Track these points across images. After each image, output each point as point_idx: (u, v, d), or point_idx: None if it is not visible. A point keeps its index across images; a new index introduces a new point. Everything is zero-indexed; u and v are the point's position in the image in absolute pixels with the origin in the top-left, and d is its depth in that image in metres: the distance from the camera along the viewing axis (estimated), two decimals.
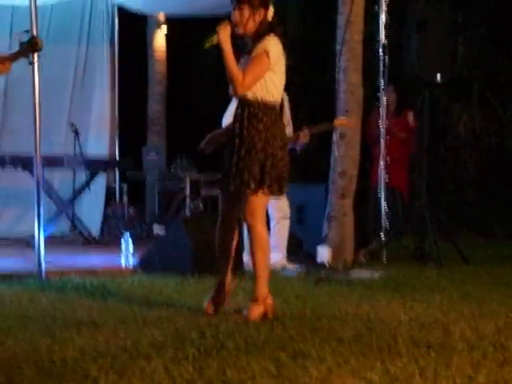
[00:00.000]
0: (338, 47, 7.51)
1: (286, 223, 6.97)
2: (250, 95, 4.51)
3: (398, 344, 3.78)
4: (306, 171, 10.82)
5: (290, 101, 7.19)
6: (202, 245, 6.02)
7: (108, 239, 9.02)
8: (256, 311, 4.48)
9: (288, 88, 7.17)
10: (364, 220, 8.02)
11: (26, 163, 7.82)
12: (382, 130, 7.98)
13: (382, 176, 7.92)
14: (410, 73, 7.72)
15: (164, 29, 10.89)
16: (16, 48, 9.58)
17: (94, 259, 7.33)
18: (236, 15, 4.50)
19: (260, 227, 4.50)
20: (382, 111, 8.00)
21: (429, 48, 7.44)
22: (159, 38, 10.95)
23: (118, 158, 10.40)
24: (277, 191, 4.57)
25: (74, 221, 9.00)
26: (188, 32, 11.22)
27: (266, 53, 4.47)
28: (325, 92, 10.02)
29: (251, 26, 4.51)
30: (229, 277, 4.72)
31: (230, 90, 4.63)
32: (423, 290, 5.60)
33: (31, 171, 6.87)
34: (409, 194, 9.08)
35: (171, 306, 4.83)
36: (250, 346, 3.74)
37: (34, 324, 4.24)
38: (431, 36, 7.43)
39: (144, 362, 3.38)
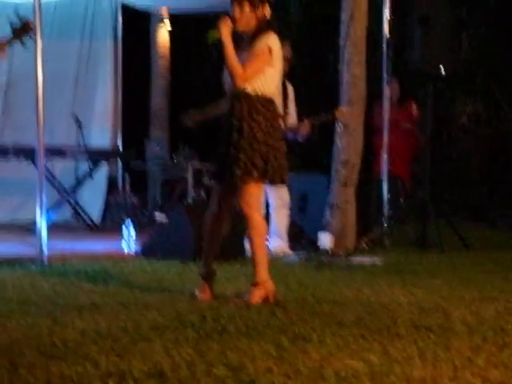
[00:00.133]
0: (341, 42, 7.52)
1: (285, 211, 7.00)
2: (249, 89, 4.54)
3: (397, 327, 3.80)
4: (309, 161, 10.82)
5: (295, 92, 7.21)
6: None
7: (110, 227, 9.04)
8: (257, 295, 4.50)
9: (292, 79, 7.24)
10: (366, 208, 8.03)
11: (28, 154, 7.83)
12: (385, 120, 8.01)
13: (385, 165, 7.94)
14: (413, 66, 7.73)
15: (167, 25, 10.91)
16: (17, 44, 9.68)
17: (96, 245, 7.34)
18: (236, 11, 4.53)
19: (256, 215, 4.55)
20: (385, 103, 8.03)
21: (432, 42, 7.45)
22: (162, 34, 10.97)
23: (120, 149, 10.42)
24: (279, 181, 4.65)
25: (76, 208, 9.01)
26: (191, 28, 11.25)
27: (269, 49, 4.53)
28: (328, 84, 10.03)
29: (250, 23, 4.54)
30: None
31: (226, 85, 4.64)
32: (424, 275, 5.62)
33: (34, 162, 6.90)
34: (411, 183, 9.09)
35: (172, 291, 4.85)
36: (251, 329, 3.75)
37: (35, 308, 4.25)
38: (434, 30, 7.43)
39: (144, 344, 3.39)
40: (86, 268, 5.80)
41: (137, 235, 6.89)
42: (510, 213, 9.91)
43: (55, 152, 8.51)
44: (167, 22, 10.83)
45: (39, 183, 6.32)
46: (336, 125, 7.52)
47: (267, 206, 6.98)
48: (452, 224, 7.50)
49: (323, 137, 8.70)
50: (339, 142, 7.53)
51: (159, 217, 8.91)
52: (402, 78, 8.90)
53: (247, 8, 4.52)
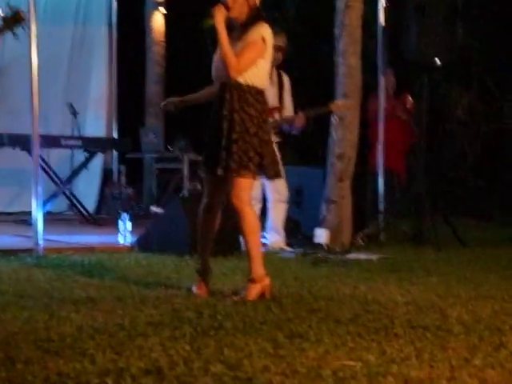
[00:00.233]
0: (336, 31, 7.49)
1: (283, 206, 6.99)
2: (241, 80, 4.51)
3: (394, 326, 3.80)
4: (305, 154, 10.82)
5: (291, 83, 7.18)
6: None
7: (105, 219, 9.02)
8: (253, 291, 4.50)
9: (288, 70, 7.22)
10: (362, 203, 8.03)
11: (23, 142, 7.79)
12: (380, 112, 7.99)
13: (380, 159, 7.94)
14: (408, 56, 7.71)
15: (162, 9, 10.84)
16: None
17: (92, 238, 7.33)
18: None
19: (248, 209, 4.52)
20: (381, 94, 8.01)
21: (428, 32, 7.44)
22: (158, 19, 10.89)
23: (115, 139, 10.38)
24: (273, 175, 4.65)
25: (72, 199, 8.99)
26: (187, 13, 11.18)
27: (263, 40, 4.51)
28: (324, 75, 10.01)
29: (243, 10, 4.52)
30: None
31: (214, 73, 4.61)
32: (420, 273, 5.62)
33: (29, 150, 6.87)
34: (406, 176, 9.09)
35: (169, 286, 4.84)
36: (248, 326, 3.75)
37: (31, 301, 4.25)
38: (430, 20, 7.42)
39: (141, 340, 3.39)
40: (82, 260, 5.80)
41: (132, 228, 6.87)
42: (508, 209, 9.90)
43: (50, 141, 8.46)
44: (162, 9, 10.76)
45: (34, 173, 6.30)
46: (331, 117, 7.50)
47: (265, 200, 6.97)
48: (448, 221, 7.49)
49: (319, 129, 8.68)
50: (335, 134, 7.50)
51: (155, 209, 8.93)
52: (397, 69, 8.89)
53: None
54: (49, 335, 3.47)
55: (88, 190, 9.87)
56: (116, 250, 6.52)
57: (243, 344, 3.36)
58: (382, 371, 2.98)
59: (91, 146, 9.14)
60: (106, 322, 3.77)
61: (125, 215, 6.92)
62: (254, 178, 4.56)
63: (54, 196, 8.76)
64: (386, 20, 7.79)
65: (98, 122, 10.37)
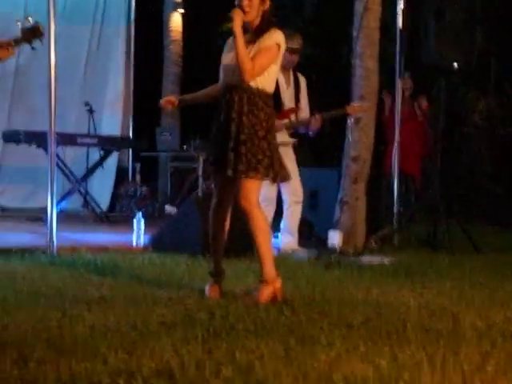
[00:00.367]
0: (354, 33, 7.48)
1: (299, 207, 6.98)
2: (252, 83, 4.54)
3: (407, 330, 3.79)
4: (320, 156, 10.81)
5: (307, 84, 7.18)
6: None
7: (120, 217, 9.05)
8: (265, 293, 4.50)
9: (305, 72, 7.21)
10: (376, 205, 8.01)
11: (40, 140, 7.84)
12: (397, 115, 7.98)
13: (396, 162, 7.92)
14: (426, 60, 7.69)
15: (180, 9, 10.85)
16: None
17: (106, 236, 7.36)
18: (245, 1, 4.52)
19: (256, 211, 4.52)
20: (398, 97, 8.00)
21: (446, 36, 7.40)
22: (175, 19, 10.91)
23: (131, 138, 10.41)
24: (281, 178, 4.69)
25: (87, 198, 9.02)
26: (205, 13, 11.19)
27: (278, 46, 4.56)
28: (341, 76, 10.00)
29: (257, 14, 4.55)
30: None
31: (223, 75, 4.63)
32: (434, 277, 5.59)
33: (45, 148, 6.90)
34: (422, 180, 9.07)
35: (181, 286, 4.85)
36: (260, 328, 3.75)
37: (45, 300, 4.27)
38: (449, 24, 7.39)
39: (153, 341, 3.40)
40: (96, 259, 5.82)
41: (146, 226, 6.89)
42: None
43: (66, 139, 8.50)
44: (180, 10, 10.77)
45: (50, 171, 6.32)
46: (347, 119, 7.50)
47: (279, 201, 6.96)
48: (462, 226, 7.45)
49: (334, 131, 8.68)
50: (350, 136, 7.50)
51: (169, 209, 8.95)
52: (415, 72, 8.88)
53: (256, 0, 4.53)
54: (61, 334, 3.49)
55: (102, 188, 9.90)
56: (130, 249, 6.54)
57: (255, 346, 3.35)
58: (393, 376, 2.97)
59: (107, 144, 9.18)
60: (118, 321, 3.78)
61: (139, 214, 6.94)
62: (262, 180, 4.56)
63: (68, 194, 8.80)
64: (404, 23, 7.77)
65: (114, 120, 10.40)
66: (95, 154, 9.32)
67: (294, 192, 6.93)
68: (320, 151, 10.90)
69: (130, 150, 10.39)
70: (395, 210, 7.76)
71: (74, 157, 9.49)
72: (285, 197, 6.93)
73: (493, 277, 5.71)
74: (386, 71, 7.92)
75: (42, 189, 7.86)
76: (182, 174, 10.10)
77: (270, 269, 4.54)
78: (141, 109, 10.82)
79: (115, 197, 9.93)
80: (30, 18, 4.50)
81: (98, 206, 9.00)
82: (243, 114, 4.51)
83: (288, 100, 6.96)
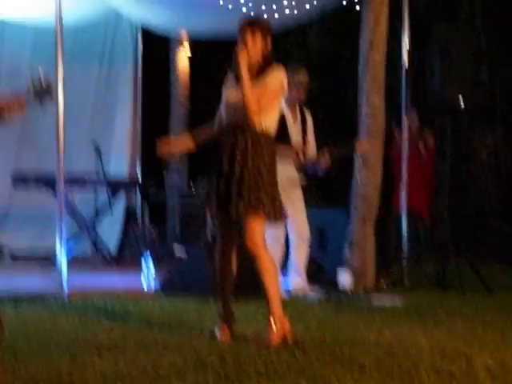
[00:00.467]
0: (360, 71, 7.52)
1: (305, 247, 6.95)
2: (256, 123, 4.56)
3: (419, 372, 3.76)
4: (327, 195, 10.81)
5: (314, 121, 7.20)
6: None
7: (129, 259, 9.04)
8: (275, 335, 4.49)
9: (311, 109, 7.25)
10: (385, 245, 7.99)
11: (48, 182, 7.86)
12: (403, 152, 7.99)
13: (404, 201, 7.90)
14: (432, 97, 7.71)
15: (187, 51, 10.93)
16: (35, 66, 9.69)
17: (115, 280, 7.35)
18: (248, 39, 4.56)
19: (262, 252, 4.54)
20: (404, 134, 8.01)
21: (451, 73, 7.43)
22: (182, 59, 10.98)
23: (139, 179, 10.44)
24: (279, 219, 4.67)
25: (96, 241, 9.02)
26: (211, 53, 11.27)
27: (282, 85, 4.62)
28: (347, 113, 10.05)
29: (259, 53, 4.58)
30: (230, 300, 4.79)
31: (224, 116, 4.64)
32: (445, 318, 5.56)
33: (54, 190, 6.91)
34: (430, 218, 9.05)
35: (192, 330, 4.84)
36: (271, 371, 3.74)
37: (55, 346, 4.26)
38: (454, 60, 7.42)
39: None
40: (106, 305, 5.82)
41: (156, 268, 6.88)
42: None
43: (75, 180, 8.52)
44: (187, 46, 10.83)
45: (59, 214, 6.32)
46: (355, 158, 7.50)
47: (287, 241, 6.95)
48: (473, 266, 7.41)
49: (342, 170, 8.68)
50: (358, 176, 7.50)
51: (178, 251, 8.93)
52: (421, 110, 8.90)
53: (259, 38, 4.58)
54: (72, 381, 3.49)
55: (111, 229, 9.88)
56: (139, 293, 6.52)
57: None
58: None
59: (115, 186, 9.19)
60: (128, 367, 3.76)
61: (148, 255, 6.93)
62: (266, 221, 4.57)
63: (77, 239, 8.79)
64: (410, 60, 7.82)
65: (121, 161, 10.42)
66: (103, 195, 9.33)
67: (300, 231, 6.92)
68: (328, 190, 10.90)
69: (138, 191, 10.40)
70: (404, 249, 7.73)
71: (82, 198, 9.49)
72: (291, 236, 6.91)
73: (504, 316, 5.67)
74: (392, 109, 7.95)
75: (50, 230, 7.86)
76: (190, 213, 10.10)
77: (277, 309, 4.54)
78: (148, 148, 10.85)
79: (124, 238, 9.92)
80: (41, 76, 4.52)
81: (107, 249, 8.99)
82: (248, 155, 4.53)
83: (295, 135, 6.98)
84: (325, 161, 6.90)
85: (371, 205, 7.44)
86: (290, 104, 6.97)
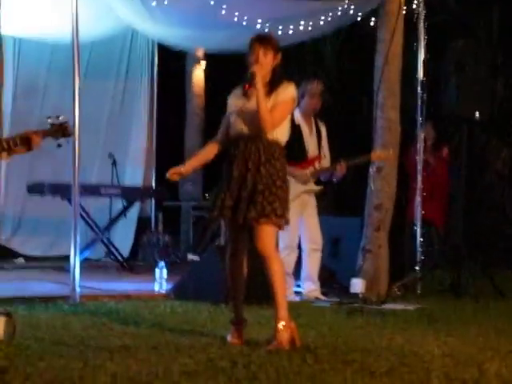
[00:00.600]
0: (375, 86, 7.55)
1: (318, 255, 6.98)
2: (269, 134, 4.65)
3: (431, 379, 3.74)
4: (342, 204, 10.81)
5: (328, 134, 7.22)
6: None
7: (142, 266, 9.07)
8: (285, 337, 4.50)
9: (326, 121, 7.27)
10: (399, 253, 7.97)
11: (64, 191, 7.91)
12: (419, 164, 7.99)
13: (419, 210, 7.91)
14: (448, 110, 7.71)
15: (203, 64, 11.00)
16: (51, 83, 9.72)
17: (128, 285, 7.36)
18: (261, 54, 4.63)
19: (273, 254, 4.60)
20: (420, 147, 8.02)
21: (467, 86, 7.43)
22: (198, 73, 11.05)
23: (154, 188, 10.47)
24: (287, 222, 4.72)
25: (110, 247, 9.05)
26: (227, 67, 11.31)
27: (293, 100, 4.74)
28: (362, 127, 10.04)
29: (268, 68, 4.65)
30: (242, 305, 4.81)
31: (234, 128, 4.68)
32: (458, 325, 5.54)
33: (69, 199, 6.98)
34: (445, 228, 9.03)
35: (204, 334, 4.84)
36: (282, 376, 3.72)
37: (67, 349, 4.26)
38: (470, 74, 7.42)
39: None
40: (118, 308, 5.83)
41: (169, 275, 6.90)
42: None
43: (90, 190, 8.57)
44: (203, 63, 10.90)
45: (74, 222, 6.38)
46: (370, 168, 7.52)
47: (300, 249, 6.96)
48: (486, 271, 7.40)
49: (356, 179, 8.69)
50: (372, 185, 7.52)
51: (191, 257, 8.96)
52: (437, 122, 8.90)
53: (270, 54, 4.65)
54: (83, 383, 3.47)
55: (124, 237, 9.95)
56: (152, 297, 6.54)
57: None
58: None
59: (130, 195, 9.23)
60: (140, 370, 3.76)
61: (162, 262, 6.96)
62: (277, 225, 4.62)
63: (91, 243, 8.84)
64: (426, 73, 7.84)
65: (136, 172, 10.49)
66: (118, 204, 9.38)
67: (313, 240, 6.94)
68: (342, 199, 10.90)
69: (153, 200, 10.44)
70: (418, 257, 7.72)
71: (98, 207, 9.54)
72: (304, 245, 6.94)
73: None
74: (407, 121, 7.95)
75: (64, 237, 7.91)
76: (204, 222, 10.13)
77: (285, 312, 4.57)
78: (164, 159, 10.90)
79: (137, 246, 9.95)
80: (61, 117, 4.57)
81: (121, 255, 9.02)
82: (260, 164, 4.61)
83: (312, 147, 7.00)
84: (340, 168, 6.93)
85: (385, 213, 7.46)
86: (306, 115, 7.00)
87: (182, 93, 11.24)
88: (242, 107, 4.69)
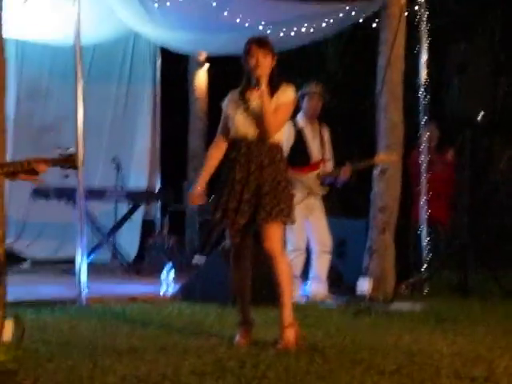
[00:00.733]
0: (378, 88, 7.55)
1: (327, 256, 6.98)
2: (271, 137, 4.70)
3: (440, 378, 3.75)
4: (347, 206, 10.80)
5: (331, 136, 7.23)
6: None
7: (148, 269, 9.06)
8: (292, 336, 4.53)
9: (329, 124, 7.27)
10: (405, 254, 7.97)
11: (69, 195, 7.92)
12: (423, 166, 8.00)
13: (424, 210, 7.91)
14: (451, 112, 7.71)
15: (205, 67, 11.00)
16: (53, 86, 9.72)
17: (134, 287, 7.36)
18: (261, 56, 4.66)
19: (280, 254, 4.64)
20: (423, 148, 8.02)
21: (470, 88, 7.43)
22: (201, 76, 11.04)
23: (159, 191, 10.48)
24: (293, 222, 4.77)
25: (115, 250, 9.06)
26: (229, 69, 11.31)
27: (293, 102, 4.80)
28: (366, 128, 10.04)
29: (268, 71, 4.67)
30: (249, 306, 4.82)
31: (237, 130, 4.68)
32: (466, 323, 5.54)
33: (74, 203, 6.99)
34: (450, 228, 9.03)
35: (211, 335, 4.85)
36: (291, 376, 3.73)
37: (75, 351, 4.27)
38: (472, 76, 7.42)
39: None
40: (125, 310, 5.84)
41: (175, 278, 6.91)
42: None
43: (95, 194, 8.58)
44: (206, 66, 10.91)
45: (79, 226, 6.39)
46: (373, 170, 7.52)
47: (308, 251, 6.96)
48: (492, 270, 7.39)
49: (361, 182, 8.69)
50: (377, 187, 7.52)
51: (197, 259, 8.95)
52: (440, 123, 8.90)
53: (269, 56, 4.68)
54: None
55: (130, 240, 9.94)
56: (159, 299, 6.55)
57: None
58: None
59: (135, 198, 9.24)
60: (149, 371, 3.77)
61: (168, 265, 6.97)
62: (284, 224, 4.69)
63: (97, 247, 8.84)
64: (428, 75, 7.84)
65: (141, 175, 10.48)
66: (123, 208, 9.38)
67: (322, 242, 6.94)
68: (347, 202, 10.89)
69: (158, 203, 10.45)
70: (424, 257, 7.72)
71: (103, 210, 9.54)
72: (313, 246, 6.94)
73: None
74: (410, 123, 7.95)
75: (70, 241, 7.91)
76: (209, 225, 10.12)
77: (291, 312, 4.60)
78: (167, 163, 10.91)
79: (143, 248, 9.95)
80: (70, 149, 4.59)
81: (127, 258, 9.02)
82: (264, 166, 4.65)
83: (316, 151, 7.00)
84: (344, 172, 6.93)
85: (390, 215, 7.45)
86: (308, 119, 7.00)
87: (184, 96, 11.25)
88: (244, 111, 4.70)
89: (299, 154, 6.84)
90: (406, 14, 7.56)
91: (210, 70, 10.96)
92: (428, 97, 7.81)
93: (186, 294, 6.57)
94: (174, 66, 11.01)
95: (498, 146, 11.65)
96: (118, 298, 6.45)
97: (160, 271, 6.97)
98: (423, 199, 7.97)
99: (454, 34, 10.45)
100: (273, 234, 4.60)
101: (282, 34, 7.91)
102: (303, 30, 7.94)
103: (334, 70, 12.82)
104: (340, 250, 7.71)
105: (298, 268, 6.73)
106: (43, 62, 9.95)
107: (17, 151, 9.15)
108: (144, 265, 9.41)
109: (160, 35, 8.55)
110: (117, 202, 9.36)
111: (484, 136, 11.05)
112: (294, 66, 11.87)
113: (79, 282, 6.24)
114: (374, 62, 7.68)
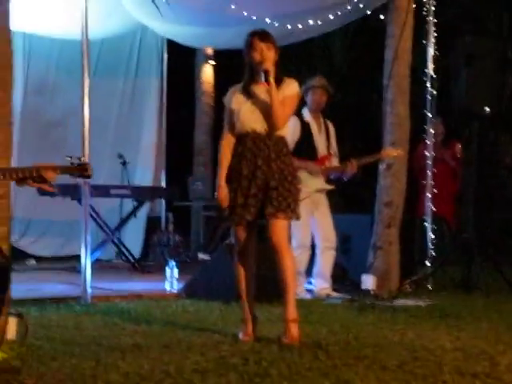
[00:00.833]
0: (384, 81, 7.53)
1: (332, 253, 6.97)
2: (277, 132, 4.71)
3: (443, 373, 3.74)
4: (352, 201, 10.80)
5: (337, 132, 7.22)
6: None
7: (153, 266, 9.08)
8: (295, 332, 4.54)
9: (334, 119, 7.26)
10: (410, 249, 7.96)
11: (74, 192, 7.93)
12: (428, 160, 7.97)
13: (429, 206, 7.89)
14: (458, 105, 7.68)
15: (212, 61, 10.99)
16: (60, 81, 9.73)
17: (139, 285, 7.37)
18: (265, 49, 4.67)
19: (287, 252, 4.64)
20: (429, 142, 7.99)
21: (477, 81, 7.40)
22: (207, 70, 11.04)
23: (164, 188, 10.48)
24: (298, 217, 4.77)
25: (120, 247, 9.07)
26: (236, 63, 11.28)
27: (298, 95, 4.81)
28: (371, 123, 10.03)
29: (272, 64, 4.68)
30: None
31: (242, 126, 4.68)
32: (469, 320, 5.53)
33: (79, 200, 7.00)
34: (455, 223, 9.01)
35: (215, 332, 4.85)
36: (294, 373, 3.73)
37: (79, 348, 4.28)
38: (479, 69, 7.39)
39: None
40: (129, 307, 5.85)
41: (179, 274, 6.92)
42: None
43: (100, 191, 8.59)
44: (211, 56, 10.90)
45: (84, 223, 6.40)
46: (379, 165, 7.50)
47: (313, 247, 6.96)
48: (498, 266, 7.38)
49: (366, 177, 8.67)
50: (382, 182, 7.51)
51: (202, 256, 8.96)
52: (447, 117, 8.87)
53: (272, 49, 4.70)
54: (95, 382, 3.49)
55: (135, 237, 9.95)
56: (163, 296, 6.55)
57: None
58: None
59: (140, 194, 9.24)
60: (152, 369, 3.78)
61: (172, 262, 6.97)
62: (290, 219, 4.69)
63: (102, 244, 8.86)
64: (435, 69, 7.81)
65: (146, 171, 10.48)
66: (128, 204, 9.39)
67: (326, 238, 6.93)
68: (352, 197, 10.89)
69: (163, 200, 10.45)
70: (429, 253, 7.71)
71: (108, 207, 9.55)
72: (317, 242, 6.93)
73: None
74: (417, 116, 7.93)
75: (75, 238, 7.92)
76: (214, 222, 10.13)
77: (295, 308, 4.61)
78: (173, 158, 10.91)
79: (147, 245, 9.97)
80: (83, 158, 4.57)
81: (131, 255, 9.05)
82: (271, 160, 4.65)
83: (322, 145, 6.99)
84: (351, 167, 6.91)
85: (395, 210, 7.44)
86: (313, 113, 6.99)
87: (191, 91, 11.23)
88: (250, 105, 4.69)
89: (305, 148, 6.83)
90: (413, 6, 7.54)
91: (217, 65, 10.96)
92: (435, 91, 7.78)
93: (190, 291, 6.57)
94: (181, 60, 11.00)
95: (504, 139, 11.62)
96: (123, 295, 6.47)
97: (164, 268, 6.98)
98: (428, 194, 7.95)
99: (461, 26, 10.43)
100: (280, 228, 4.61)
101: (289, 27, 7.90)
102: (311, 22, 7.93)
103: (340, 63, 12.81)
104: (345, 246, 7.70)
105: (302, 265, 6.73)
106: (50, 55, 9.96)
107: (23, 145, 9.19)
108: (148, 262, 9.44)
109: (168, 29, 8.55)
110: (122, 199, 9.36)
111: (490, 130, 11.02)
112: (301, 59, 11.86)
113: (84, 279, 6.25)
114: (381, 56, 7.65)
